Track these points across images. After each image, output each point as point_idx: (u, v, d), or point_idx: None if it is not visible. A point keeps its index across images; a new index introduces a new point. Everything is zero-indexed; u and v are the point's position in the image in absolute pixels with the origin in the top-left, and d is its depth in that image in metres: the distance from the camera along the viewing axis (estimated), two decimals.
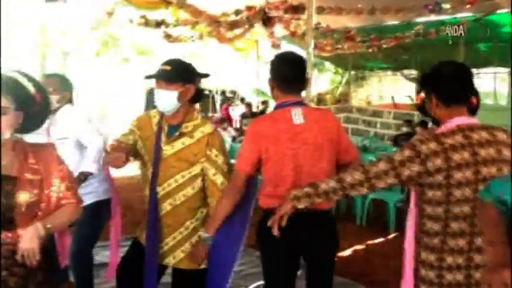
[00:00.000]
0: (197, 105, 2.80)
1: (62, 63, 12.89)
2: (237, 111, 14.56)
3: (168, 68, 2.52)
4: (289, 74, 2.51)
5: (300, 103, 2.52)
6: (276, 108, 2.58)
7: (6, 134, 1.83)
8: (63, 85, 3.35)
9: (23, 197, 1.84)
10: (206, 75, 2.80)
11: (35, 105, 1.89)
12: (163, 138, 2.61)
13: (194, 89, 2.58)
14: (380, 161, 1.99)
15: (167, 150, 2.58)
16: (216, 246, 2.59)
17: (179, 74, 2.53)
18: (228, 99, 17.32)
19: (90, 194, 3.21)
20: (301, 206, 2.16)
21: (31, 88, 1.87)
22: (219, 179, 2.55)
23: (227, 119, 12.10)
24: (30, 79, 1.87)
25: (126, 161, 2.45)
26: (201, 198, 2.62)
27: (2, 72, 1.82)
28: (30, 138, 2.05)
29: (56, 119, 3.24)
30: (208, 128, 2.59)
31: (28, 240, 1.81)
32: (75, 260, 3.28)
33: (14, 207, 1.83)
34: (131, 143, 2.69)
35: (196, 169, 2.55)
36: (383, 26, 9.10)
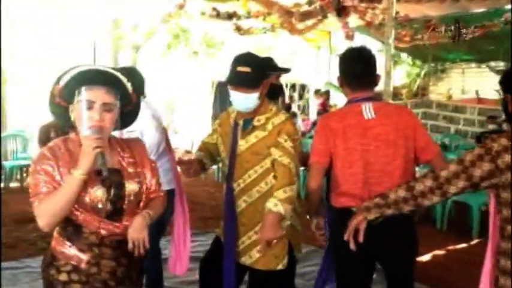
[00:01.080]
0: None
1: (133, 57, 13.35)
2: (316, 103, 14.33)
3: (247, 70, 2.50)
4: (357, 70, 2.47)
5: (371, 99, 2.47)
6: (346, 104, 2.55)
7: (109, 130, 1.91)
8: (136, 78, 3.44)
9: (131, 187, 1.94)
10: (287, 70, 2.83)
11: (130, 104, 1.97)
12: (239, 133, 2.65)
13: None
14: (451, 163, 1.94)
15: (242, 145, 2.62)
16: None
17: (260, 76, 2.55)
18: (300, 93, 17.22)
19: None
20: (371, 217, 2.13)
21: (129, 88, 1.95)
22: (285, 160, 2.47)
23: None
24: (128, 79, 1.95)
25: (198, 173, 2.65)
26: None
27: (102, 68, 1.90)
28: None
29: None
30: (279, 118, 2.59)
31: (139, 229, 1.90)
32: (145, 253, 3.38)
33: (124, 197, 1.92)
34: (214, 142, 2.82)
35: (268, 162, 2.55)
36: (468, 14, 8.66)
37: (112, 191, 1.90)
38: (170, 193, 3.44)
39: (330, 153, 2.48)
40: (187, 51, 14.73)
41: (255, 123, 2.60)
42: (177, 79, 15.98)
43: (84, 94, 1.82)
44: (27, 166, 8.27)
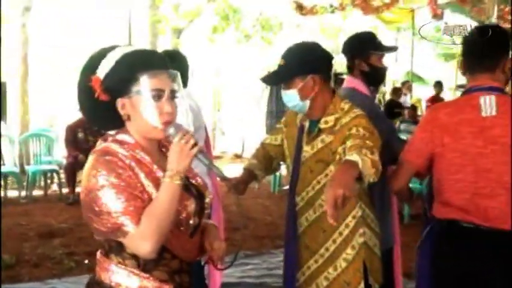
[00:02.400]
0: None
1: (174, 42, 13.61)
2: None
3: (281, 62, 2.59)
4: (476, 48, 2.43)
5: (495, 89, 2.40)
6: (463, 94, 2.52)
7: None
8: (181, 64, 3.50)
9: (209, 197, 1.99)
10: (393, 49, 2.80)
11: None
12: (304, 137, 2.66)
13: (326, 78, 2.60)
14: None
15: (307, 151, 2.62)
16: None
17: (296, 69, 2.57)
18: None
19: None
20: None
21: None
22: (363, 150, 2.23)
23: None
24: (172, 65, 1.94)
25: (245, 190, 2.66)
26: (345, 210, 2.56)
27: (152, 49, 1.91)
28: None
29: None
30: (350, 115, 2.54)
31: (219, 240, 1.98)
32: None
33: (204, 210, 1.95)
34: (278, 143, 2.84)
35: (331, 169, 2.53)
36: None
37: (198, 203, 1.91)
38: None
39: (430, 155, 2.45)
40: (237, 35, 14.83)
41: (322, 125, 2.59)
42: (225, 68, 16.10)
43: (148, 82, 1.75)
44: (53, 172, 8.61)
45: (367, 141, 2.29)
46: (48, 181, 8.84)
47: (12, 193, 8.33)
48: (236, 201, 1.75)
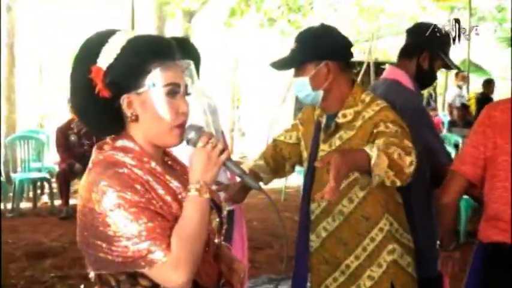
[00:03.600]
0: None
1: (185, 27, 13.67)
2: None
3: (294, 46, 2.64)
4: None
5: None
6: None
7: None
8: (191, 54, 3.54)
9: (226, 209, 2.06)
10: (457, 67, 2.82)
11: None
12: (321, 135, 2.68)
13: (343, 66, 2.62)
14: None
15: (324, 150, 2.64)
16: None
17: (306, 51, 2.60)
18: None
19: None
20: None
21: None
22: (391, 148, 2.26)
23: None
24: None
25: (243, 198, 2.73)
26: (367, 216, 2.58)
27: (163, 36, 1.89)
28: None
29: None
30: (373, 107, 2.55)
31: (237, 260, 2.03)
32: None
33: (223, 225, 1.95)
34: (293, 142, 2.89)
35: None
36: None
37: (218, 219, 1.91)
38: (227, 216, 3.51)
39: (483, 162, 2.47)
40: (259, 18, 14.82)
41: (339, 120, 2.60)
42: (244, 58, 16.11)
43: (162, 75, 1.70)
44: (43, 180, 8.64)
45: (405, 141, 2.30)
46: (38, 191, 8.91)
47: None
48: (273, 206, 1.68)
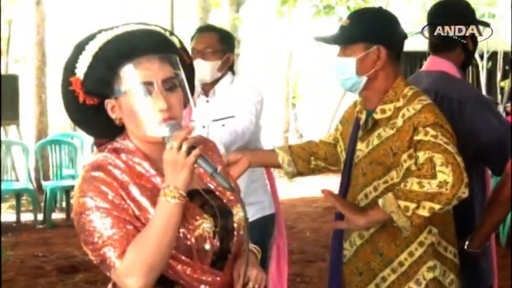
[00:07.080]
0: None
1: (232, 17, 13.70)
2: None
3: (345, 23, 2.66)
4: None
5: None
6: None
7: (181, 118, 1.93)
8: (226, 44, 3.58)
9: (240, 214, 1.99)
10: (484, 24, 2.81)
11: (184, 69, 1.96)
12: (360, 133, 2.69)
13: (393, 56, 2.62)
14: None
15: (361, 149, 2.65)
16: None
17: (359, 29, 2.61)
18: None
19: (253, 205, 3.40)
20: None
21: (178, 44, 1.99)
22: (438, 159, 2.31)
23: None
24: (172, 33, 2.01)
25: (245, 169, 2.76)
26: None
27: (140, 26, 1.93)
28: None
29: (215, 93, 3.51)
30: (415, 105, 2.53)
31: (258, 266, 2.04)
32: None
33: (233, 231, 1.99)
34: (330, 141, 2.95)
35: (393, 176, 2.53)
36: None
37: (219, 222, 1.93)
38: (268, 220, 3.55)
39: None
40: (315, 5, 14.77)
41: (377, 115, 2.60)
42: (299, 51, 16.06)
43: (134, 75, 1.81)
44: None
45: (437, 157, 2.32)
46: (71, 201, 9.00)
47: (26, 216, 8.54)
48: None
